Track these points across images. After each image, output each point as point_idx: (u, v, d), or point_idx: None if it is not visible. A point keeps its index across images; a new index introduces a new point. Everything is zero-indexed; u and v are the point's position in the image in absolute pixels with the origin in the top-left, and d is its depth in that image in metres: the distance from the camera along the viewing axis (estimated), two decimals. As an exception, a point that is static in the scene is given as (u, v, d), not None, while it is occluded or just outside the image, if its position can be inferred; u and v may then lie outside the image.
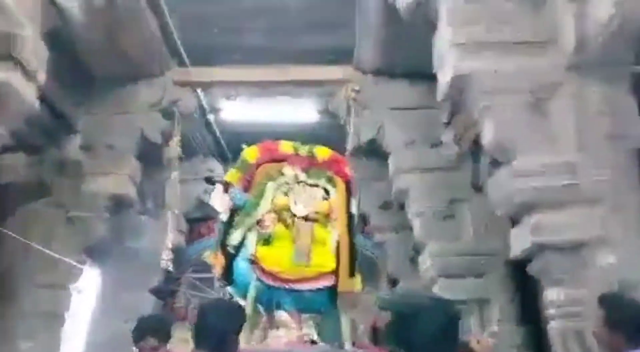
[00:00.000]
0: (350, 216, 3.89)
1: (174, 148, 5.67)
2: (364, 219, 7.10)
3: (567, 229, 3.03)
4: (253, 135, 7.23)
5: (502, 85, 3.26)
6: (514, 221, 3.51)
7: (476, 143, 4.82)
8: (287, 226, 3.74)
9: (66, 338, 5.30)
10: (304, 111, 6.89)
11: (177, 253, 6.24)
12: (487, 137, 3.41)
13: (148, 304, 6.46)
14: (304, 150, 4.01)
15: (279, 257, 3.65)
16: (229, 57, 5.89)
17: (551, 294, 3.10)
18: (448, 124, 5.42)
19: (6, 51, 3.19)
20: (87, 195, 5.19)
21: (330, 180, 3.94)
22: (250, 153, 4.00)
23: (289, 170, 3.89)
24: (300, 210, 3.78)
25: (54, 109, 4.84)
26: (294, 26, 5.55)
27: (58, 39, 3.83)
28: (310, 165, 3.95)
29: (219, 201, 3.91)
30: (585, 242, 2.99)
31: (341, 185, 3.95)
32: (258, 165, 3.93)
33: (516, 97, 3.25)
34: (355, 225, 3.97)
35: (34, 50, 3.36)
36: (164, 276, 6.52)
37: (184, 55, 5.77)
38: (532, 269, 3.29)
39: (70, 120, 5.29)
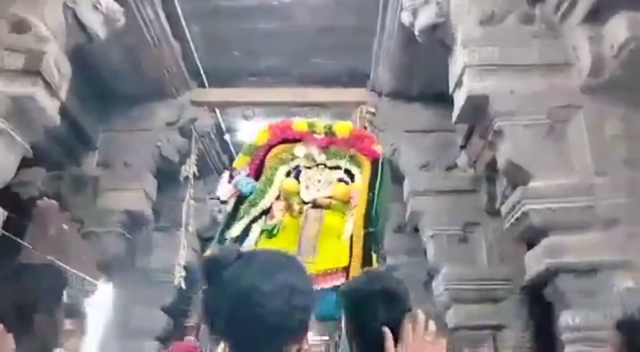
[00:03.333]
0: (371, 199, 3.18)
1: (190, 166, 5.74)
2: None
3: (583, 251, 2.99)
4: (268, 156, 7.40)
5: (517, 107, 3.27)
6: (530, 245, 3.47)
7: (491, 166, 4.82)
8: (294, 215, 3.18)
9: (77, 353, 5.30)
10: (319, 133, 6.93)
11: (190, 271, 6.25)
12: (502, 159, 3.41)
13: (160, 322, 6.46)
14: (321, 127, 3.53)
15: None
16: (246, 78, 6.01)
17: (566, 319, 3.04)
18: (463, 147, 5.42)
19: (32, 66, 3.29)
20: (103, 211, 5.24)
21: (353, 159, 3.36)
22: (260, 134, 3.55)
23: (301, 149, 3.41)
24: (309, 195, 3.24)
25: (74, 125, 4.93)
26: (310, 49, 5.65)
27: (80, 56, 3.93)
28: (330, 143, 3.43)
29: (224, 190, 3.37)
30: (602, 266, 2.94)
31: (367, 164, 3.34)
32: (270, 147, 3.47)
33: (532, 119, 3.25)
34: (377, 210, 3.16)
35: (58, 67, 3.46)
36: (176, 294, 6.52)
37: (203, 76, 5.89)
38: (547, 293, 3.24)
39: (89, 137, 5.38)
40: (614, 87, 3.11)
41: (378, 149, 3.45)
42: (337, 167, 3.34)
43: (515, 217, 3.27)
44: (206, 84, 5.98)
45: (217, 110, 6.37)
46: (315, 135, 3.47)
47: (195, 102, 5.83)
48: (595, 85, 3.13)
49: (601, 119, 3.17)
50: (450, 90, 3.65)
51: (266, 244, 3.04)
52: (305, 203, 3.21)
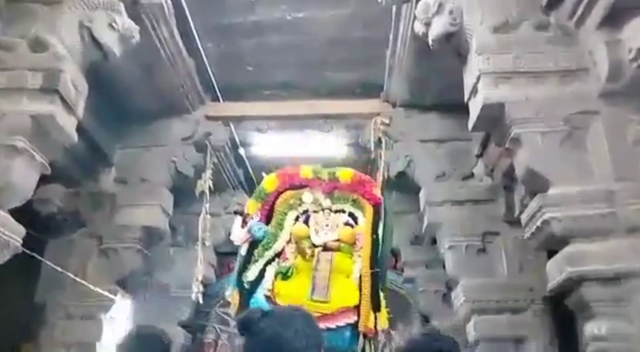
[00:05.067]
0: (375, 242, 3.47)
1: (206, 181, 5.76)
2: (394, 254, 7.02)
3: (606, 259, 2.92)
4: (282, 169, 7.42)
5: (534, 114, 3.23)
6: (550, 254, 3.41)
7: (508, 175, 4.77)
8: (306, 258, 3.47)
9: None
10: (333, 145, 6.94)
11: (207, 287, 6.25)
12: (521, 167, 3.36)
13: (178, 337, 6.45)
14: (325, 173, 3.78)
15: (295, 293, 3.33)
16: (260, 92, 6.06)
17: (591, 329, 2.96)
18: (479, 156, 5.38)
19: (50, 85, 3.34)
20: (120, 227, 5.27)
21: (356, 203, 3.65)
22: (269, 181, 3.80)
23: (308, 196, 3.67)
24: (320, 238, 3.51)
25: (90, 142, 4.99)
26: (323, 61, 5.69)
27: (96, 74, 3.98)
28: (334, 188, 3.71)
29: (238, 235, 3.64)
30: (627, 273, 2.87)
31: (369, 208, 3.62)
32: (278, 193, 3.72)
33: (549, 126, 3.21)
34: (382, 251, 3.50)
35: (75, 85, 3.51)
36: (193, 309, 6.52)
37: (217, 91, 5.94)
38: (570, 302, 3.17)
39: (106, 154, 5.44)
40: (633, 92, 3.06)
41: (378, 193, 3.75)
42: (342, 211, 3.63)
43: (535, 225, 3.22)
44: (220, 98, 6.03)
45: (232, 125, 6.40)
46: (320, 181, 3.74)
47: (209, 116, 5.87)
48: (614, 90, 3.09)
49: (620, 124, 3.12)
50: (466, 98, 3.62)
51: (282, 286, 3.36)
52: (316, 246, 3.49)
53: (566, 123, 3.19)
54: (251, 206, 3.73)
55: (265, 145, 6.91)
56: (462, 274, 5.31)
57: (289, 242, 3.55)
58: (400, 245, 6.94)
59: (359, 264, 3.41)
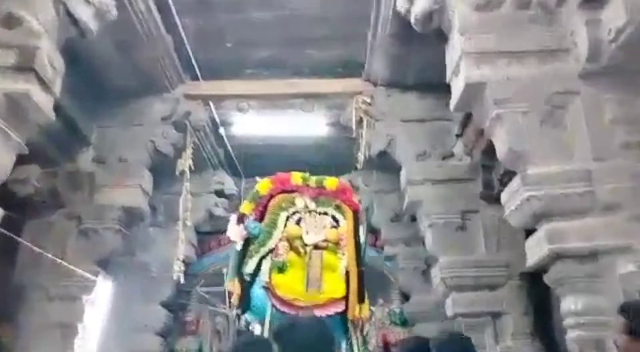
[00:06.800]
0: (358, 244, 4.13)
1: (186, 161, 5.71)
2: (375, 232, 7.10)
3: (584, 237, 3.00)
4: (263, 149, 7.38)
5: (515, 93, 3.25)
6: (528, 232, 3.48)
7: (487, 154, 4.83)
8: (299, 254, 4.01)
9: (79, 350, 5.30)
10: (314, 124, 6.92)
11: (188, 266, 6.24)
12: (501, 146, 3.40)
13: (159, 317, 6.45)
14: (313, 181, 4.32)
15: (292, 285, 3.88)
16: (240, 70, 5.97)
17: (569, 304, 3.06)
18: (459, 135, 5.42)
19: (25, 63, 3.24)
20: (100, 207, 5.22)
21: (338, 208, 4.23)
22: (262, 185, 4.30)
23: (300, 201, 4.20)
24: (310, 238, 4.06)
25: (67, 121, 4.89)
26: (305, 39, 5.61)
27: (72, 51, 3.88)
28: (319, 194, 4.27)
29: (234, 232, 4.12)
30: (604, 250, 2.96)
31: (349, 213, 4.23)
32: (271, 196, 4.23)
33: (530, 106, 3.24)
34: (363, 252, 4.19)
35: (52, 62, 3.41)
36: (175, 289, 6.52)
37: (197, 69, 5.84)
38: (549, 278, 3.25)
39: (84, 133, 5.34)
40: (612, 72, 3.10)
41: (357, 200, 4.45)
42: (325, 213, 4.21)
43: (515, 204, 3.28)
44: (200, 77, 5.92)
45: (212, 104, 6.33)
46: (308, 188, 4.27)
47: (189, 95, 5.79)
48: (593, 71, 3.13)
49: (599, 104, 3.17)
50: (448, 78, 3.63)
51: (279, 278, 3.90)
52: (307, 245, 4.04)
53: (546, 103, 3.23)
54: (246, 206, 4.23)
55: (245, 124, 6.85)
56: (442, 251, 5.40)
57: (281, 239, 4.04)
58: (380, 223, 7.01)
59: (345, 262, 4.01)
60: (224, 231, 7.00)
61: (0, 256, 4.69)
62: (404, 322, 7.17)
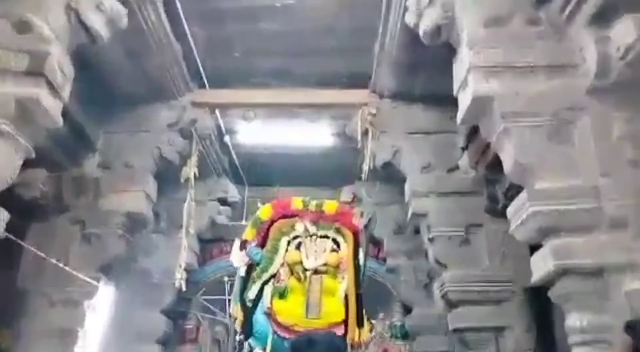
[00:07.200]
0: (357, 266, 4.19)
1: (191, 168, 5.72)
2: (377, 243, 7.08)
3: (591, 253, 2.97)
4: (268, 157, 7.40)
5: (523, 108, 3.25)
6: (534, 247, 3.46)
7: (492, 168, 4.82)
8: (299, 279, 4.06)
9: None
10: (319, 134, 6.94)
11: (189, 274, 6.23)
12: (507, 160, 3.40)
13: (159, 324, 6.43)
14: (313, 205, 4.38)
15: (292, 311, 3.91)
16: (247, 79, 6.00)
17: (574, 321, 3.03)
18: (465, 148, 5.42)
19: (35, 68, 3.26)
20: (104, 212, 5.21)
21: (338, 231, 4.28)
22: (264, 211, 4.39)
23: (300, 226, 4.26)
24: (310, 263, 4.11)
25: (74, 126, 4.90)
26: (312, 50, 5.65)
27: (82, 57, 3.90)
28: (320, 218, 4.32)
29: (237, 257, 4.27)
30: (610, 267, 2.93)
31: (349, 235, 4.28)
32: (272, 222, 4.31)
33: (537, 120, 3.24)
34: (363, 275, 4.23)
35: (62, 68, 3.43)
36: (176, 296, 6.50)
37: (204, 78, 5.87)
38: (554, 294, 3.22)
39: (90, 138, 5.35)
40: (620, 89, 3.10)
41: (357, 222, 4.44)
42: (326, 236, 4.25)
43: (521, 219, 3.26)
44: (207, 85, 5.96)
45: (217, 112, 6.35)
46: (308, 212, 4.32)
47: (195, 103, 5.81)
48: (602, 87, 3.13)
49: (607, 121, 3.16)
50: (455, 91, 3.64)
51: (279, 304, 3.95)
52: (307, 270, 4.08)
53: (554, 118, 3.23)
54: (249, 232, 4.34)
55: (250, 133, 6.87)
56: (445, 264, 5.38)
57: (282, 265, 4.11)
58: (383, 235, 7.00)
59: (344, 285, 4.07)
60: (226, 239, 7.07)
61: (3, 260, 4.69)
62: (405, 336, 7.11)
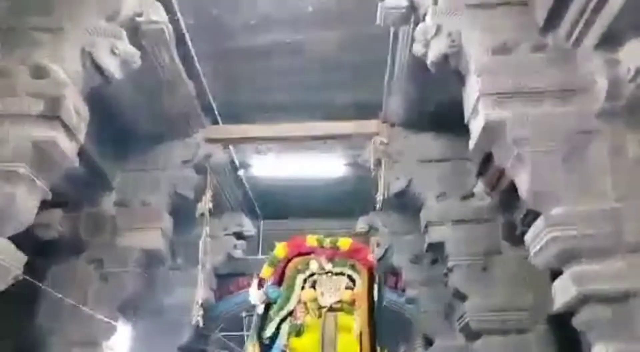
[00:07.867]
0: (372, 302, 4.24)
1: (206, 203, 5.75)
2: (396, 274, 6.99)
3: (612, 278, 2.90)
4: (282, 190, 7.43)
5: (535, 133, 3.23)
6: (554, 273, 3.40)
7: (508, 194, 4.78)
8: (315, 317, 4.17)
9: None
10: (332, 165, 6.97)
11: (207, 310, 6.19)
12: (523, 186, 3.36)
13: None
14: (327, 242, 4.48)
15: (308, 348, 4.02)
16: (259, 114, 6.08)
17: (600, 349, 2.94)
18: (479, 175, 5.39)
19: (51, 111, 3.34)
20: (121, 250, 5.24)
21: (353, 267, 4.37)
22: (280, 249, 4.51)
23: (314, 263, 4.37)
24: (326, 300, 4.22)
25: (91, 165, 4.98)
26: (322, 83, 5.73)
27: (97, 97, 3.99)
28: (334, 255, 4.42)
29: (255, 296, 4.38)
30: (633, 293, 2.86)
31: (364, 271, 4.37)
32: (288, 260, 4.43)
33: (551, 145, 3.21)
34: (378, 310, 4.27)
35: (77, 110, 3.51)
36: (193, 333, 6.45)
37: (217, 114, 5.97)
38: (577, 322, 3.14)
39: (106, 177, 5.43)
40: (632, 111, 3.08)
41: (371, 258, 4.56)
42: (342, 273, 4.34)
43: (539, 245, 3.21)
44: (220, 121, 6.04)
45: (231, 147, 6.42)
46: (323, 249, 4.43)
47: (209, 139, 5.88)
48: (613, 110, 3.11)
49: (621, 143, 3.13)
50: (466, 119, 3.64)
51: (296, 342, 4.05)
52: (322, 307, 4.20)
53: (568, 142, 3.20)
54: (266, 271, 4.46)
55: (264, 166, 6.93)
56: (465, 293, 5.28)
57: (298, 302, 4.22)
58: (401, 264, 6.91)
59: (359, 322, 4.11)
60: (243, 274, 7.04)
61: (22, 301, 4.70)
62: (428, 369, 6.95)
